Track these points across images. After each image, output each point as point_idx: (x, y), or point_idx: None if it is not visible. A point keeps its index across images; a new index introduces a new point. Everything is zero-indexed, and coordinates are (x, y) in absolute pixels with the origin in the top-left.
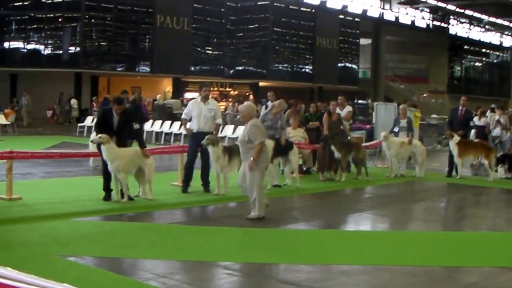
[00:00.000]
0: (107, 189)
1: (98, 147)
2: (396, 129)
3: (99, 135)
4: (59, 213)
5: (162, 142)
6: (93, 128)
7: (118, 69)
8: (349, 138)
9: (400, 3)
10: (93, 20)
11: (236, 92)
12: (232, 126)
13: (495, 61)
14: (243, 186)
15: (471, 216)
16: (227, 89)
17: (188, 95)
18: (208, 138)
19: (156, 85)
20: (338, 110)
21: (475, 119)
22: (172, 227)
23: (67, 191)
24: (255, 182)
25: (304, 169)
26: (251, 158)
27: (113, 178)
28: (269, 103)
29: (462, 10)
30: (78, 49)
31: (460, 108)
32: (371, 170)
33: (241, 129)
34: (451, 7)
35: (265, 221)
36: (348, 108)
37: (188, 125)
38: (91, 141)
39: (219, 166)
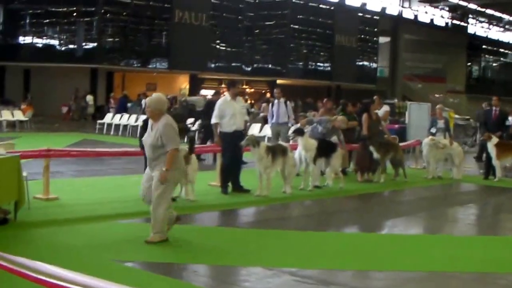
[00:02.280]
0: None
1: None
2: (433, 130)
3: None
4: (99, 215)
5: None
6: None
7: (135, 65)
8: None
9: (420, 1)
10: (109, 15)
11: (252, 90)
12: (258, 125)
13: None
14: (147, 197)
15: None
16: (244, 86)
17: (204, 91)
18: (248, 139)
19: (172, 82)
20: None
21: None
22: (223, 230)
23: (102, 191)
24: (163, 197)
25: (340, 169)
26: (164, 169)
27: None
28: (276, 101)
29: (482, 9)
30: (94, 44)
31: (494, 108)
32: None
33: (265, 128)
34: (472, 6)
35: (316, 224)
36: (386, 108)
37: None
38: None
39: (263, 167)
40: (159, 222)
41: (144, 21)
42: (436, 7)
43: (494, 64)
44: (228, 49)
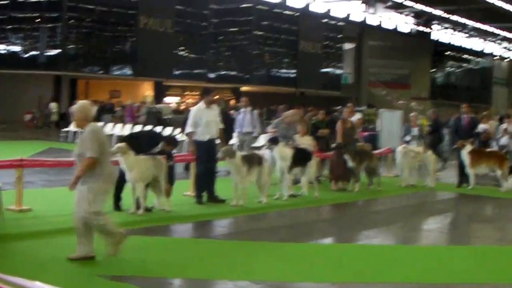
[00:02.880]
0: (116, 197)
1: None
2: (408, 138)
3: (118, 145)
4: (66, 227)
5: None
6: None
7: (99, 71)
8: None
9: (386, 7)
10: (73, 21)
11: (217, 97)
12: None
13: (476, 67)
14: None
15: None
16: None
17: (168, 99)
18: (224, 150)
19: (136, 89)
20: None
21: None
22: (201, 242)
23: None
24: (93, 210)
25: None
26: (74, 175)
27: (131, 188)
28: (242, 110)
29: (447, 16)
30: (58, 50)
31: (465, 116)
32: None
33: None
34: (437, 12)
35: (295, 235)
36: (358, 115)
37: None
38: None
39: (239, 177)
40: (88, 239)
41: (108, 27)
42: (401, 13)
43: (457, 71)
44: (193, 56)
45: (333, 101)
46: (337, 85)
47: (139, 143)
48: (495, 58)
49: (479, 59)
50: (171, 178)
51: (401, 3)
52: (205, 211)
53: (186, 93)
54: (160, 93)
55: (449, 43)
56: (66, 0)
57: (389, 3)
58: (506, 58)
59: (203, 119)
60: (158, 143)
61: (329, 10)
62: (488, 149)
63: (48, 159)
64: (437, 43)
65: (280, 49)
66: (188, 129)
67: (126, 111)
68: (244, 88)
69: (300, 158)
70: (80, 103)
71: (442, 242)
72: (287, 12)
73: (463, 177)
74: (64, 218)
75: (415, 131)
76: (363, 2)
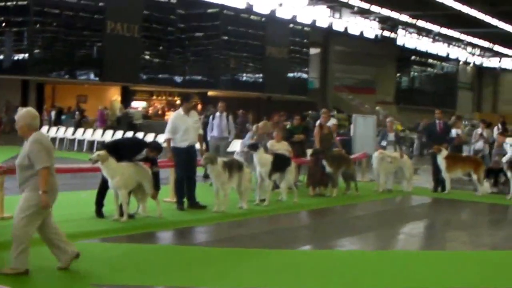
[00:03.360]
0: (98, 204)
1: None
2: (384, 143)
3: (97, 152)
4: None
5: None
6: None
7: (67, 76)
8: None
9: (352, 12)
10: (40, 26)
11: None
12: None
13: (441, 72)
14: None
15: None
16: (175, 98)
17: (135, 103)
18: (206, 157)
19: (103, 94)
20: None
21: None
22: (192, 249)
23: (55, 208)
24: (29, 222)
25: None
26: (40, 191)
27: (113, 195)
28: (218, 114)
29: (413, 21)
30: (25, 55)
31: (438, 121)
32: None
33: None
34: (403, 17)
35: (278, 241)
36: (333, 121)
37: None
38: (90, 159)
39: (220, 182)
40: (23, 253)
41: (75, 32)
42: (367, 18)
43: (422, 75)
44: (160, 60)
45: (300, 106)
46: (303, 89)
47: (123, 150)
48: (460, 63)
49: (444, 64)
50: (156, 184)
51: (367, 9)
52: (187, 217)
53: (153, 97)
54: (127, 97)
55: (415, 48)
56: (32, 5)
57: (355, 9)
58: (470, 63)
59: (182, 125)
60: (142, 150)
61: (295, 16)
62: (464, 154)
63: None
64: (403, 48)
65: (247, 54)
66: (166, 135)
67: (97, 116)
68: (211, 93)
69: (280, 164)
70: (24, 110)
71: (424, 247)
72: (253, 17)
73: (438, 181)
74: None
75: (391, 136)
76: (328, 8)
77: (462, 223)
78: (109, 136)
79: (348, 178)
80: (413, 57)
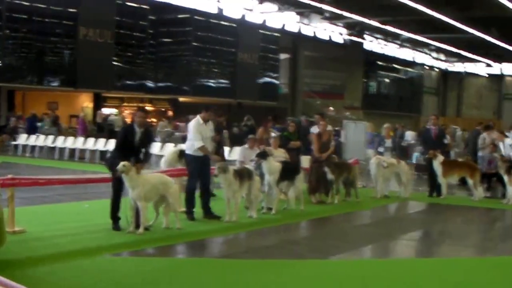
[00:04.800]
0: (115, 217)
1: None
2: (381, 149)
3: (122, 163)
4: (79, 249)
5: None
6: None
7: (39, 83)
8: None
9: (323, 18)
10: (12, 32)
11: (153, 108)
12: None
13: (408, 77)
14: None
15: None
16: (147, 105)
17: (106, 110)
18: (219, 167)
19: (74, 100)
20: (315, 129)
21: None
22: (223, 262)
23: (65, 220)
24: None
25: None
26: None
27: (130, 207)
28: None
29: (381, 26)
30: None
31: (433, 127)
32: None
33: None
34: (373, 23)
35: (309, 250)
36: (329, 127)
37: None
38: (116, 170)
39: (231, 192)
40: None
41: (47, 38)
42: (334, 24)
43: (389, 80)
44: (132, 67)
45: (270, 112)
46: (274, 95)
47: None
48: (425, 67)
49: (410, 69)
50: None
51: (337, 15)
52: (200, 228)
53: (124, 104)
54: (98, 104)
55: (382, 53)
56: (4, 10)
57: (325, 14)
58: (436, 68)
59: (201, 134)
60: None
61: (265, 21)
62: (460, 159)
63: (40, 177)
64: (370, 53)
65: (218, 60)
66: (198, 143)
67: (78, 124)
68: (182, 99)
69: (289, 172)
70: None
71: (445, 255)
72: (224, 22)
73: (434, 187)
74: (61, 239)
75: (388, 142)
76: (297, 14)
77: (470, 229)
78: (91, 144)
79: (349, 185)
80: (380, 62)
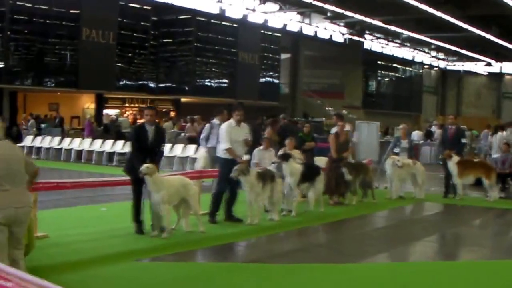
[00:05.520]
0: (138, 221)
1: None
2: (397, 150)
3: (146, 165)
4: (100, 256)
5: (114, 164)
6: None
7: (42, 84)
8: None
9: (325, 18)
10: (16, 34)
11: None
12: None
13: (408, 76)
14: None
15: None
16: (149, 105)
17: (108, 111)
18: (238, 169)
19: (76, 101)
20: (333, 130)
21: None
22: (246, 267)
23: (84, 224)
24: None
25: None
26: None
27: (153, 210)
28: (217, 123)
29: (381, 25)
30: (0, 63)
31: (450, 126)
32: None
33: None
34: (374, 22)
35: (335, 255)
36: (347, 127)
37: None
38: (139, 171)
39: (254, 194)
40: None
41: (50, 39)
42: (335, 23)
43: (389, 79)
44: (134, 67)
45: (271, 111)
46: (275, 95)
47: None
48: (425, 66)
49: (409, 68)
50: None
51: (338, 14)
52: (223, 231)
53: (126, 105)
54: (100, 105)
55: (381, 53)
56: (7, 12)
57: (327, 14)
58: (435, 67)
59: (233, 137)
60: None
61: (266, 21)
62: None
63: (63, 180)
64: (369, 52)
65: (219, 60)
66: (226, 145)
67: (85, 125)
68: (184, 100)
69: (309, 173)
70: None
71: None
72: (225, 23)
73: (449, 187)
74: (86, 244)
75: (404, 143)
76: (298, 14)
77: (493, 231)
78: (98, 145)
79: (365, 185)
80: (379, 62)
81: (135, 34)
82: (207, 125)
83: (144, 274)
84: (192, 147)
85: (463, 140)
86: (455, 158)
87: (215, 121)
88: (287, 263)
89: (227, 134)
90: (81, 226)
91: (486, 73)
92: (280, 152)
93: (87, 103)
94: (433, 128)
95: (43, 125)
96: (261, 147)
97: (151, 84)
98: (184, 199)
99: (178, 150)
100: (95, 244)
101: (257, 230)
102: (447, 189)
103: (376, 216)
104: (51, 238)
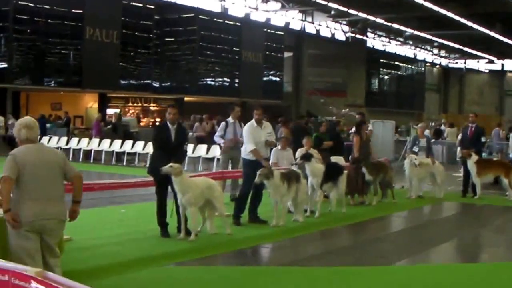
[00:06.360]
0: (162, 224)
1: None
2: (416, 149)
3: (170, 164)
4: (128, 260)
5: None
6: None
7: (45, 84)
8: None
9: (328, 16)
10: (18, 33)
11: (158, 108)
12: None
13: (410, 74)
14: None
15: None
16: (152, 104)
17: (110, 111)
18: (260, 174)
19: (79, 101)
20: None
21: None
22: (289, 270)
23: (107, 226)
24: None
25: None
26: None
27: (181, 212)
28: (232, 122)
29: (384, 23)
30: (3, 63)
31: (470, 125)
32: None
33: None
34: (377, 20)
35: (367, 257)
36: (369, 127)
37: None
38: (161, 170)
39: (279, 195)
40: None
41: (54, 39)
42: (338, 21)
43: (392, 77)
44: (138, 67)
45: (274, 110)
46: (278, 94)
47: None
48: (427, 64)
49: (412, 66)
50: None
51: (340, 12)
52: (249, 233)
53: (129, 104)
54: (103, 104)
55: (384, 51)
56: (11, 12)
57: (329, 12)
58: (437, 64)
59: (256, 138)
60: None
61: (269, 19)
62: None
63: (98, 182)
64: (372, 50)
65: (222, 59)
66: (251, 146)
67: (93, 125)
68: (187, 99)
69: (332, 173)
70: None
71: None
72: (228, 21)
73: (468, 186)
74: (113, 248)
75: (423, 142)
76: (300, 12)
77: None
78: (106, 145)
79: (385, 185)
80: (382, 60)
81: (138, 33)
82: (222, 123)
83: (174, 279)
84: (203, 147)
85: (483, 139)
86: (474, 157)
87: (230, 119)
88: (315, 266)
89: (250, 135)
90: (104, 229)
91: (488, 71)
92: (300, 151)
93: (90, 103)
94: (443, 127)
95: (48, 125)
96: (279, 147)
97: (154, 83)
98: (209, 201)
99: (189, 150)
100: (121, 248)
101: (282, 232)
102: (465, 188)
103: (397, 217)
104: (76, 242)
